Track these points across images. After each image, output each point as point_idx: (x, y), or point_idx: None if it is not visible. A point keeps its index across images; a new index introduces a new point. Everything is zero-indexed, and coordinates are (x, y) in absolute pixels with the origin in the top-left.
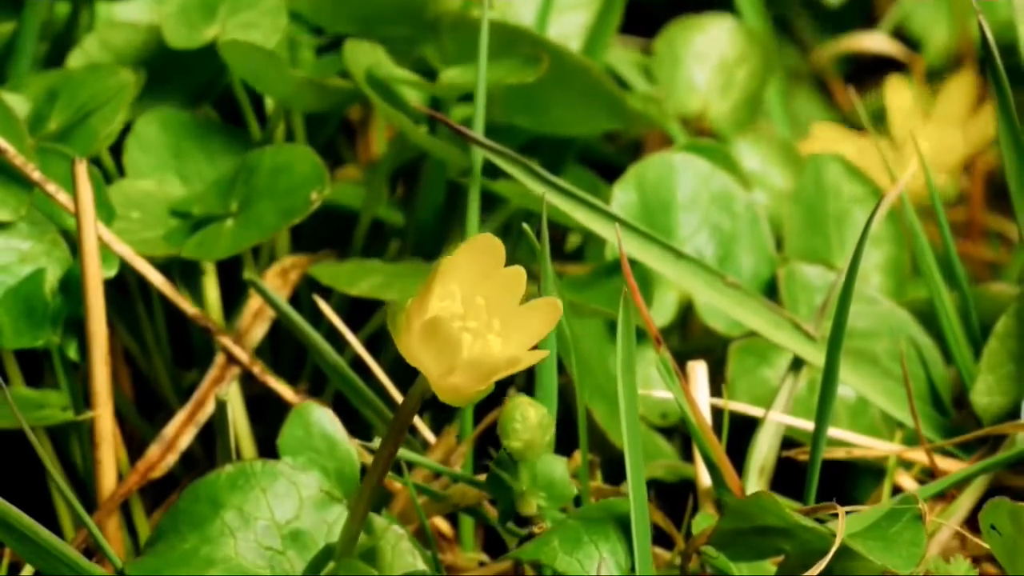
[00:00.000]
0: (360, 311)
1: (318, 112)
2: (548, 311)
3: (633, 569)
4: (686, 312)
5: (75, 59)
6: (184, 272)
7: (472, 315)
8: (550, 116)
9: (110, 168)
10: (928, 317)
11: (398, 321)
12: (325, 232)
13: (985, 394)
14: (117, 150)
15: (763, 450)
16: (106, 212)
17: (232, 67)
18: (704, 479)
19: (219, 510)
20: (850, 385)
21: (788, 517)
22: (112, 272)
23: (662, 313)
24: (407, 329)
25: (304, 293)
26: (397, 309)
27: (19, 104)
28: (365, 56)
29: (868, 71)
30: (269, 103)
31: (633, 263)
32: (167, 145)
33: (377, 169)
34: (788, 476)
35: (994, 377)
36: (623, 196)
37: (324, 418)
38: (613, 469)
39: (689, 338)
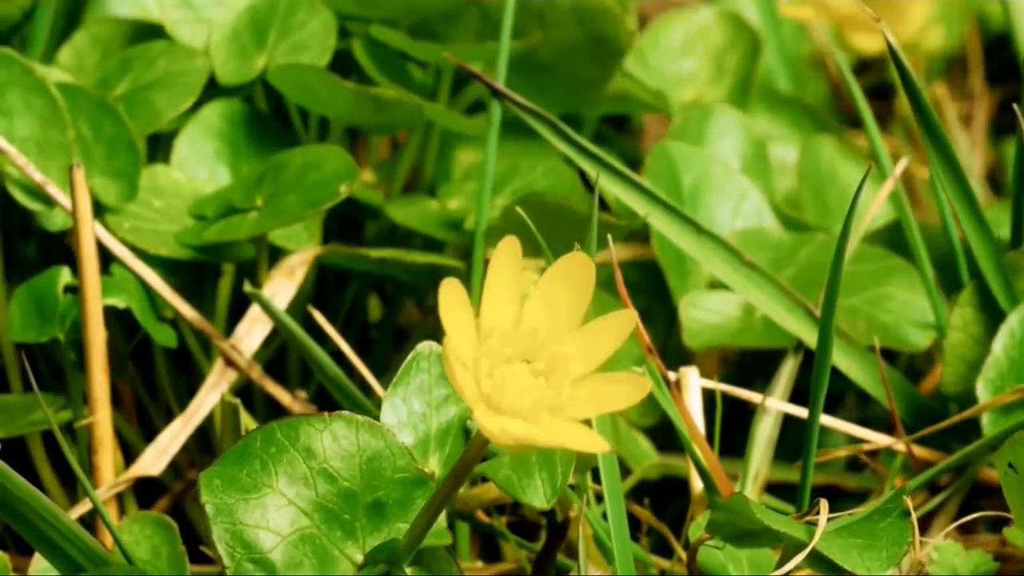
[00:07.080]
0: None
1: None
2: (633, 388)
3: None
4: None
5: (65, 55)
6: (193, 276)
7: (546, 354)
8: (557, 76)
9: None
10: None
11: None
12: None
13: (956, 384)
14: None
15: (758, 456)
16: (130, 190)
17: (285, 91)
18: (698, 485)
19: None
20: (842, 369)
21: (758, 521)
22: (123, 304)
23: None
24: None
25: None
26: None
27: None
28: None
29: (869, 70)
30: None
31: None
32: (227, 137)
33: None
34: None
35: (965, 366)
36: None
37: None
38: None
39: None
